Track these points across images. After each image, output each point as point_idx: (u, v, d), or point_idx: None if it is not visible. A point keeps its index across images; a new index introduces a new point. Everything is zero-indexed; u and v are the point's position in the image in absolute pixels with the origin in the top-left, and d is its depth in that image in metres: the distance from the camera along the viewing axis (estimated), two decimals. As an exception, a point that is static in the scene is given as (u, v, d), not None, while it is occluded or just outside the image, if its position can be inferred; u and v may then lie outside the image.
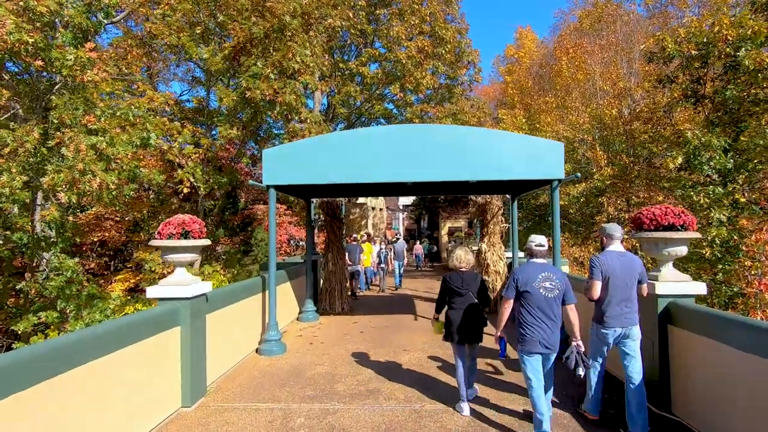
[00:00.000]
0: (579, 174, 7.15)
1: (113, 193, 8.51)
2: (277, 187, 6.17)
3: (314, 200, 9.11)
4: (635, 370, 3.37)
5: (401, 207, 37.73)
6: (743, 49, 9.26)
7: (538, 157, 5.57)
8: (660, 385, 3.70)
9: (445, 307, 4.02)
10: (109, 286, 13.42)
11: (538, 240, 3.41)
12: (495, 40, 68.81)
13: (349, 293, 9.63)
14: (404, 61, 14.24)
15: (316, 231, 13.89)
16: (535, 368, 3.27)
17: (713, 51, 9.91)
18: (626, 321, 3.36)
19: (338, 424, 3.66)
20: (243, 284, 5.92)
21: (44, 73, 9.17)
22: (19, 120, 9.43)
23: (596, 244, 13.61)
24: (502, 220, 9.30)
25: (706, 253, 8.88)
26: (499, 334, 3.61)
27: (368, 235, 14.92)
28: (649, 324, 3.78)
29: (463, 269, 3.91)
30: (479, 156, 5.59)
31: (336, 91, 16.03)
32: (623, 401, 3.50)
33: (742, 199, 9.42)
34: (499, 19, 76.01)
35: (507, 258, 8.80)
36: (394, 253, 13.38)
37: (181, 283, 4.11)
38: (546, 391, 3.36)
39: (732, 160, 9.55)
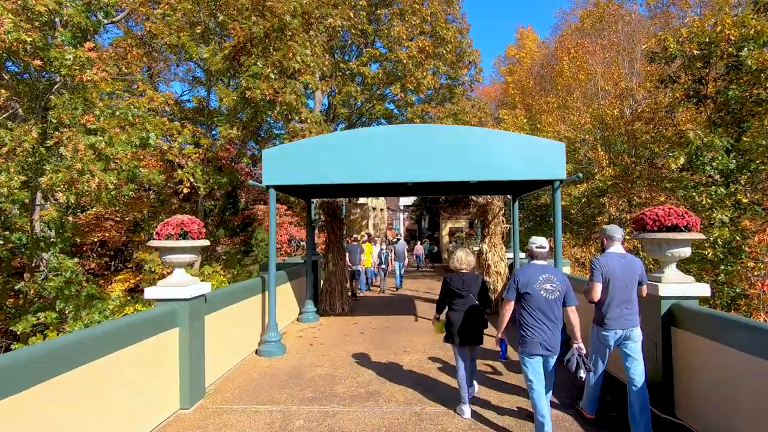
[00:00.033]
0: (580, 174, 7.11)
1: (112, 193, 8.49)
2: (277, 188, 6.14)
3: (315, 200, 9.09)
4: (637, 372, 3.34)
5: (402, 207, 37.67)
6: (746, 48, 9.23)
7: (539, 157, 5.54)
8: (663, 387, 3.67)
9: (446, 309, 3.99)
10: (110, 287, 13.41)
11: (538, 242, 3.38)
12: (496, 41, 68.80)
13: (350, 294, 9.60)
14: (405, 61, 14.22)
15: (316, 231, 13.89)
16: (535, 370, 3.26)
17: (715, 51, 9.87)
18: (627, 323, 3.34)
19: (338, 427, 3.63)
20: (242, 285, 5.89)
21: (44, 73, 9.15)
22: (18, 120, 9.43)
23: (597, 245, 13.56)
24: (503, 221, 9.27)
25: (708, 254, 8.85)
26: (499, 335, 3.60)
27: (369, 235, 14.87)
28: (652, 326, 3.75)
29: (464, 271, 3.88)
30: (480, 156, 5.57)
31: (337, 91, 16.00)
32: (626, 404, 3.47)
33: (745, 200, 9.38)
34: (500, 19, 76.06)
35: (508, 259, 8.77)
36: (395, 253, 13.35)
37: (180, 284, 4.08)
38: (546, 393, 3.34)
39: (734, 161, 9.51)
